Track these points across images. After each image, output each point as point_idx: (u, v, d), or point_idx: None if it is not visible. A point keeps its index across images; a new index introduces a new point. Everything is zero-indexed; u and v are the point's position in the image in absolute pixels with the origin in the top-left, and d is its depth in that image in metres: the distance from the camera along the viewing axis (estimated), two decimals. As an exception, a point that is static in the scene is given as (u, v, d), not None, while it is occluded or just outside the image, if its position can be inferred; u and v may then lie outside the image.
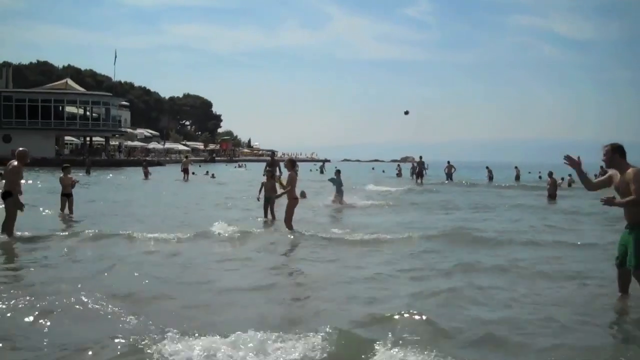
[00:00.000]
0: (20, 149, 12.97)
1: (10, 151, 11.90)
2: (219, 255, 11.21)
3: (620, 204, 7.15)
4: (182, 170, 41.77)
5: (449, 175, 43.31)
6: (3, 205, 12.72)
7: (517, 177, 44.72)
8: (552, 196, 27.18)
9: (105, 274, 9.01)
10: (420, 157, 43.45)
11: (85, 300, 7.04)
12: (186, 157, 52.94)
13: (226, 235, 13.03)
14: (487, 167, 48.96)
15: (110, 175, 44.73)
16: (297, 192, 15.07)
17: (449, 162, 44.30)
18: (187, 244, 12.16)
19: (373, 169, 79.28)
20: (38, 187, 27.64)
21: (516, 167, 47.56)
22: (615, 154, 7.21)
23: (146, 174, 41.02)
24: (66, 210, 17.38)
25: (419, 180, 41.11)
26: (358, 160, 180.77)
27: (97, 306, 6.88)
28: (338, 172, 22.84)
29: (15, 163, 12.47)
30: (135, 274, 8.94)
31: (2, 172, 14.81)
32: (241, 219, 16.47)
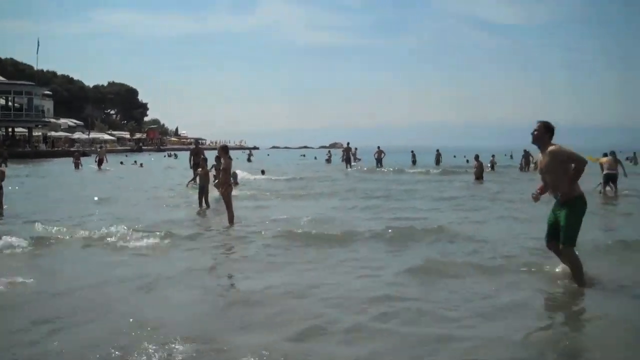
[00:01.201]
0: None
1: None
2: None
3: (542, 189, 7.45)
4: (96, 161, 42.62)
5: (379, 161, 44.71)
6: None
7: (438, 162, 46.38)
8: (478, 178, 29.00)
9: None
10: (348, 144, 45.01)
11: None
12: (101, 147, 52.55)
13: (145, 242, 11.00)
14: (411, 151, 50.80)
15: (33, 166, 44.04)
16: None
17: (378, 148, 45.77)
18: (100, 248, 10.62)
19: (304, 155, 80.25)
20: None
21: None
22: (547, 134, 7.25)
23: (78, 165, 41.24)
24: None
25: (348, 166, 42.16)
26: (287, 147, 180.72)
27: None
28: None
29: None
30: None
31: None
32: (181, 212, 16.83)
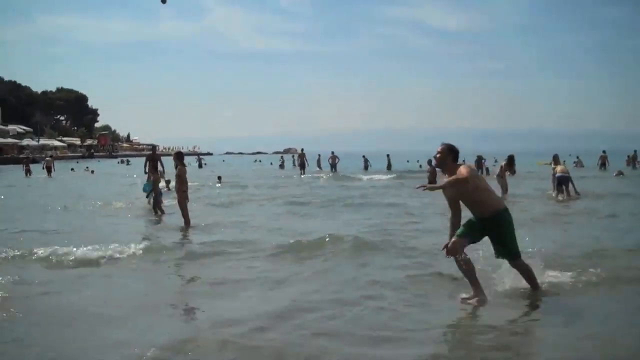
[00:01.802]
0: None
1: None
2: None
3: (445, 184, 6.69)
4: (43, 168, 42.78)
5: (333, 166, 44.97)
6: None
7: (389, 166, 46.02)
8: (431, 183, 29.14)
9: None
10: (302, 150, 45.17)
11: None
12: (51, 156, 52.21)
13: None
14: (363, 156, 51.11)
15: None
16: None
17: (332, 153, 46.02)
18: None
19: (260, 161, 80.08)
20: None
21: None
22: (450, 155, 6.93)
23: (28, 172, 41.42)
24: None
25: (301, 172, 42.35)
26: (241, 153, 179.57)
27: None
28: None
29: None
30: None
31: None
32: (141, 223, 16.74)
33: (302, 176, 39.97)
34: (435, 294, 7.44)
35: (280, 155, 66.41)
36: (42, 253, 9.95)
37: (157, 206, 17.07)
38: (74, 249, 10.04)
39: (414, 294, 7.43)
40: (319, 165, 48.25)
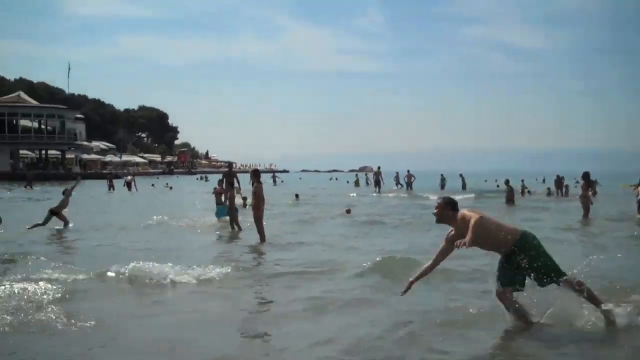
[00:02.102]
0: None
1: None
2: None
3: (469, 241, 6.31)
4: (124, 185, 44.23)
5: (409, 184, 44.47)
6: None
7: (442, 186, 45.37)
8: (510, 201, 28.70)
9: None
10: (378, 168, 44.63)
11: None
12: (132, 174, 53.90)
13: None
14: (441, 175, 49.66)
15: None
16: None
17: (408, 171, 45.67)
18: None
19: (336, 179, 79.91)
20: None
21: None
22: (447, 208, 6.73)
23: (111, 187, 42.91)
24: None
25: (376, 190, 41.90)
26: (317, 171, 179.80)
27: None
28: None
29: None
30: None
31: None
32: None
33: (378, 194, 39.61)
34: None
35: (355, 173, 66.30)
36: (122, 270, 9.61)
37: (233, 222, 17.05)
38: (151, 266, 9.65)
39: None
40: (397, 183, 47.80)
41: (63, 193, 17.86)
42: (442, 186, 45.82)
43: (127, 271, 9.52)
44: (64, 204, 17.57)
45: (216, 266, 10.11)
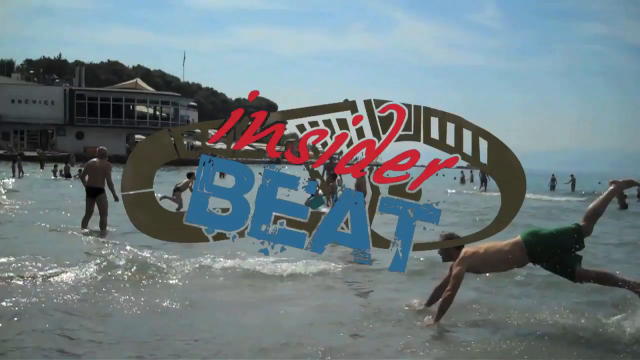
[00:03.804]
0: (102, 147, 13.44)
1: (97, 150, 13.60)
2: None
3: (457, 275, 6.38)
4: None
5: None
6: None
7: (552, 187, 45.15)
8: (623, 206, 25.61)
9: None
10: (484, 165, 42.43)
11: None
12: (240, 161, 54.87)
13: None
14: (552, 175, 48.98)
15: (177, 172, 44.89)
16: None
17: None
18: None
19: (444, 175, 77.00)
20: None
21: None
22: (451, 247, 6.62)
23: (222, 175, 41.99)
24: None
25: (482, 187, 41.51)
26: (422, 166, 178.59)
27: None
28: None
29: (97, 160, 12.91)
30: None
31: (82, 168, 15.32)
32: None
33: (484, 193, 38.15)
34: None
35: (461, 170, 64.34)
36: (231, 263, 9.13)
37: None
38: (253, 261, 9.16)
39: None
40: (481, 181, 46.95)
41: (188, 176, 17.26)
42: (552, 187, 44.62)
43: (237, 264, 9.12)
44: (186, 185, 17.06)
45: (330, 260, 9.69)
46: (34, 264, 8.47)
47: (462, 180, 51.82)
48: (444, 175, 75.31)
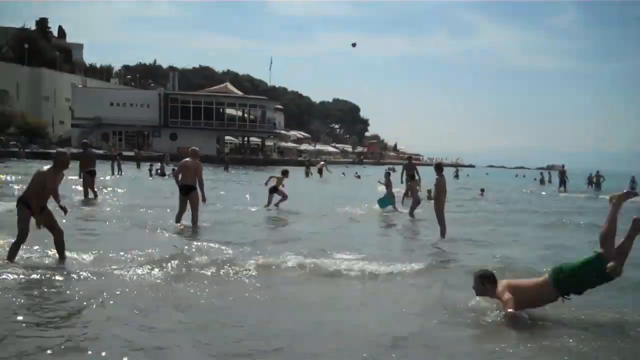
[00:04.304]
0: (194, 147, 14.16)
1: (189, 150, 15.68)
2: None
3: (511, 315, 6.48)
4: (317, 172, 45.20)
5: (597, 185, 43.53)
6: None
7: (592, 184, 44.30)
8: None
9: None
10: (563, 166, 43.49)
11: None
12: (323, 161, 54.73)
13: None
14: (632, 177, 42.59)
15: (265, 172, 35.39)
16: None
17: (597, 172, 45.63)
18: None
19: (524, 176, 74.98)
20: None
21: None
22: (484, 284, 6.75)
23: (308, 173, 45.64)
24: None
25: (560, 189, 40.22)
26: (503, 167, 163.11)
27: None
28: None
29: (190, 159, 13.52)
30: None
31: (175, 167, 15.95)
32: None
33: (562, 194, 37.61)
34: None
35: (540, 171, 62.91)
36: (290, 263, 9.43)
37: (411, 212, 17.52)
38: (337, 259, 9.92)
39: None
40: (589, 183, 45.20)
41: (283, 173, 19.30)
42: (632, 188, 29.50)
43: (312, 261, 9.52)
44: (279, 182, 18.89)
45: (405, 261, 10.03)
46: (123, 257, 9.21)
47: (542, 182, 50.92)
48: (524, 176, 73.15)
